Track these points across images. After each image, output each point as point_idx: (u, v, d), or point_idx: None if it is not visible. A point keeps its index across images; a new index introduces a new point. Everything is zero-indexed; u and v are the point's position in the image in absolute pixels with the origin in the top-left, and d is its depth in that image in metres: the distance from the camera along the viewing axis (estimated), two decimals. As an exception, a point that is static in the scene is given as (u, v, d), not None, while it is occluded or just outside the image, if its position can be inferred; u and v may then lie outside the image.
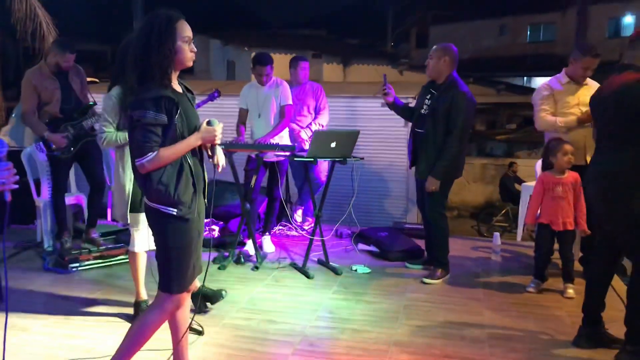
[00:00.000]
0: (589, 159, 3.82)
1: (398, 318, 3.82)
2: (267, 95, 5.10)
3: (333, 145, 4.51)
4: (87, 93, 5.11)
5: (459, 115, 4.33)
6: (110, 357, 2.63)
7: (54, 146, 4.81)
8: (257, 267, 4.77)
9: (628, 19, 23.58)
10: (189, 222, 2.54)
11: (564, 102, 4.52)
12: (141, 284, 3.70)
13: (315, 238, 4.83)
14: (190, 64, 2.58)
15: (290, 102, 5.16)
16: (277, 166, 5.10)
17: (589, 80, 4.55)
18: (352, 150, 4.69)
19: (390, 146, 6.35)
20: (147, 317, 2.65)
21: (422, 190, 4.62)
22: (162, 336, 2.85)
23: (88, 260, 4.71)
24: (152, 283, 3.32)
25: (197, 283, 3.75)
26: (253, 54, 5.32)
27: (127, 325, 3.59)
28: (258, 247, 5.06)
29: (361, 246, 5.44)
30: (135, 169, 2.50)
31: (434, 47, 4.54)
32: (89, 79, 5.29)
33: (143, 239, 3.58)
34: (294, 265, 4.85)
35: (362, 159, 5.00)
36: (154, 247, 2.64)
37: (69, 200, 5.38)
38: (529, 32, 26.92)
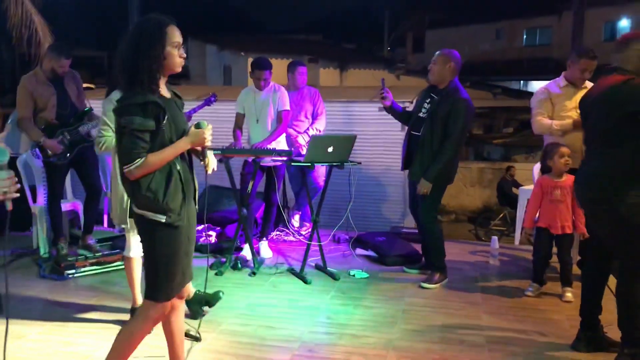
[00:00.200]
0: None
1: (396, 323, 3.80)
2: (264, 101, 5.10)
3: (330, 150, 4.51)
4: (83, 99, 5.09)
5: (458, 121, 4.33)
6: None
7: (49, 152, 4.80)
8: (254, 273, 4.75)
9: (624, 23, 23.67)
10: (178, 229, 2.50)
11: (562, 105, 4.52)
12: (137, 290, 3.68)
13: (312, 243, 4.82)
14: (179, 69, 2.56)
15: (288, 107, 5.16)
16: (274, 171, 5.09)
17: (587, 83, 4.55)
18: (350, 154, 4.68)
19: (387, 150, 6.35)
20: (132, 326, 2.62)
21: (414, 194, 4.62)
22: (158, 343, 2.83)
23: (84, 266, 4.69)
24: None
25: (191, 289, 3.75)
26: (251, 59, 5.32)
27: (124, 332, 3.57)
28: (255, 252, 5.04)
29: (359, 251, 5.43)
30: (123, 176, 2.47)
31: (438, 52, 4.52)
32: (84, 85, 5.27)
33: (138, 244, 3.56)
34: (291, 271, 4.83)
35: (360, 163, 4.99)
36: None
37: (65, 206, 5.36)
38: (525, 36, 27.02)
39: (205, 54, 23.36)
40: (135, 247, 3.58)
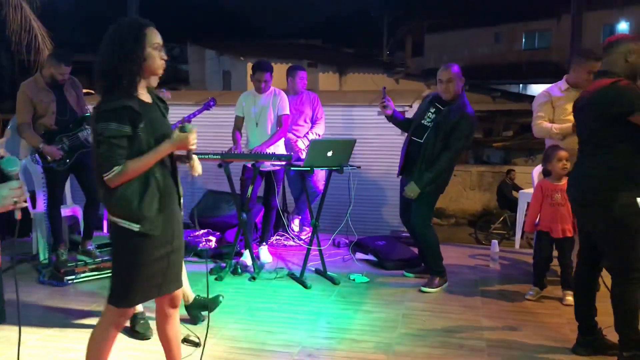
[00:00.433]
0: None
1: (396, 327, 3.79)
2: (264, 105, 5.10)
3: (330, 154, 4.50)
4: (84, 105, 5.09)
5: (461, 137, 4.39)
6: None
7: (49, 158, 4.80)
8: (254, 278, 4.74)
9: (622, 26, 23.69)
10: (151, 238, 2.43)
11: (563, 108, 4.52)
12: None
13: (312, 247, 4.81)
14: (161, 72, 2.51)
15: (288, 112, 5.17)
16: (273, 175, 5.09)
17: None
18: (349, 159, 4.68)
19: (387, 154, 6.34)
20: (94, 333, 2.58)
21: (407, 202, 4.61)
22: (156, 348, 2.82)
23: (84, 272, 4.67)
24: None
25: (190, 294, 3.75)
26: (250, 64, 5.33)
27: (123, 337, 3.56)
28: (255, 257, 5.03)
29: (359, 255, 5.42)
30: (99, 184, 2.41)
31: (447, 70, 4.45)
32: (84, 90, 5.28)
33: None
34: (291, 275, 4.82)
35: (359, 167, 4.99)
36: None
37: (64, 212, 5.35)
38: (524, 40, 27.04)
39: (205, 58, 23.36)
40: None
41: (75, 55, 5.42)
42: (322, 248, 4.89)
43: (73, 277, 4.62)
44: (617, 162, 3.11)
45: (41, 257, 5.15)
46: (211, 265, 5.02)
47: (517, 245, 5.92)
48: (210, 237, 5.58)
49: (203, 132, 6.46)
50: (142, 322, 3.59)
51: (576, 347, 3.42)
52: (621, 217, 3.08)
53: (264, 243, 5.35)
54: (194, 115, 4.90)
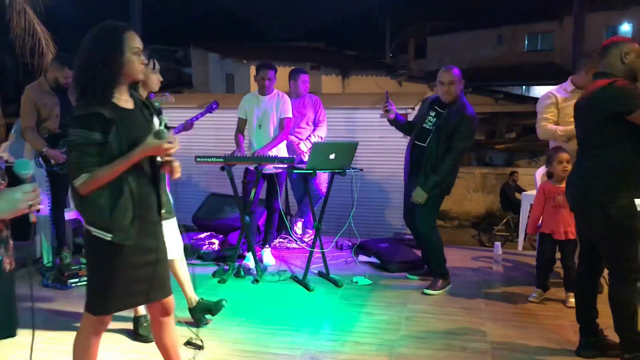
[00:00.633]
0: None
1: (399, 329, 3.80)
2: (267, 107, 5.11)
3: (332, 156, 4.51)
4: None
5: (463, 138, 4.41)
6: None
7: (53, 162, 4.82)
8: (257, 280, 4.75)
9: (625, 27, 23.66)
10: (124, 248, 2.38)
11: (568, 110, 4.51)
12: (188, 288, 3.69)
13: (315, 250, 4.82)
14: (141, 76, 2.48)
15: (290, 115, 5.18)
16: (275, 178, 5.10)
17: None
18: (352, 161, 4.69)
19: (389, 157, 6.34)
20: (76, 343, 2.58)
21: (412, 205, 4.61)
22: (158, 351, 2.82)
23: (87, 275, 4.68)
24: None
25: (194, 297, 3.75)
26: (253, 67, 5.35)
27: (126, 340, 3.58)
28: (258, 260, 5.04)
29: (362, 258, 5.42)
30: (72, 191, 2.37)
31: (448, 72, 4.46)
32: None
33: (170, 245, 3.54)
34: (294, 278, 4.83)
35: (362, 170, 4.99)
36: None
37: (68, 215, 5.35)
38: (526, 42, 27.00)
39: (208, 62, 23.42)
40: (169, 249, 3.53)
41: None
42: (324, 250, 4.90)
43: (77, 280, 4.63)
44: (617, 162, 3.12)
45: (45, 261, 5.17)
46: (214, 267, 5.03)
47: (520, 247, 5.92)
48: (213, 240, 5.59)
49: (206, 134, 6.57)
50: (145, 324, 3.60)
51: (579, 350, 3.41)
52: (618, 218, 3.09)
53: (267, 246, 5.35)
54: (197, 118, 4.92)
